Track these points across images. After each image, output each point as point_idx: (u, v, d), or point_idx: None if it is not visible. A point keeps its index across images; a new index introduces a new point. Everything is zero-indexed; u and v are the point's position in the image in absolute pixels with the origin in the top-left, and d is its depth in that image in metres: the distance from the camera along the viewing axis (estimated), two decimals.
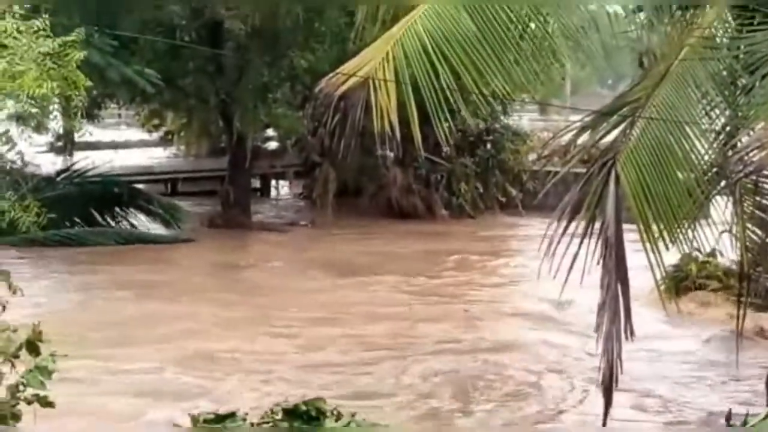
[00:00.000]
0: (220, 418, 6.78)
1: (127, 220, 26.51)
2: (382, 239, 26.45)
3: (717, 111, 9.44)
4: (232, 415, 6.79)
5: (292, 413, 6.79)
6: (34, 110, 7.97)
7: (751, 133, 9.24)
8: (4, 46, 6.57)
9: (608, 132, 9.17)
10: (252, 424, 6.66)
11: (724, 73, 9.40)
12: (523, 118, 36.47)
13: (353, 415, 6.60)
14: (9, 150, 8.41)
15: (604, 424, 9.18)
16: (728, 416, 9.39)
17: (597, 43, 9.99)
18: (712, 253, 17.30)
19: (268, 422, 6.70)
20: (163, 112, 32.28)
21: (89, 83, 7.03)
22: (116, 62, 22.43)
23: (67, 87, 6.65)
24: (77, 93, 6.87)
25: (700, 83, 9.17)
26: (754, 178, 9.83)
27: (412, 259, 23.85)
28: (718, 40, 9.80)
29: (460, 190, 30.10)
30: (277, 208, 32.46)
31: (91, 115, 26.67)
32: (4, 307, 8.15)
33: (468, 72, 9.11)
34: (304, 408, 6.80)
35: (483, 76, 9.18)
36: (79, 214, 25.28)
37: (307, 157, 30.99)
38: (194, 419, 6.78)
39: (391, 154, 27.66)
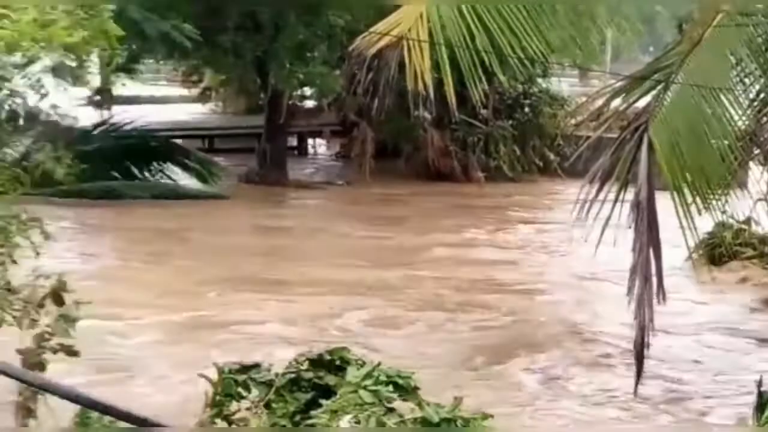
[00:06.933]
0: (245, 369, 6.85)
1: (165, 174, 26.62)
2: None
3: (751, 77, 9.38)
4: (257, 366, 6.85)
5: (317, 363, 6.83)
6: (70, 63, 8.03)
7: None
8: None
9: (641, 97, 9.13)
10: (276, 375, 6.71)
11: (759, 39, 9.33)
12: (563, 83, 36.16)
13: (378, 364, 6.61)
14: (41, 100, 8.43)
15: (635, 393, 9.24)
16: (759, 383, 9.36)
17: (635, 8, 9.93)
18: (747, 221, 17.29)
19: (293, 372, 6.74)
20: (202, 68, 32.28)
21: (122, 33, 7.04)
22: (154, 17, 22.45)
23: (98, 37, 6.67)
24: (110, 44, 6.90)
25: (735, 50, 9.12)
26: None
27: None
28: (753, 6, 9.72)
29: (498, 153, 29.98)
30: (314, 167, 32.49)
31: (129, 70, 26.72)
32: (38, 253, 8.26)
33: (503, 35, 9.03)
34: (329, 357, 6.84)
35: (519, 39, 9.12)
36: (115, 167, 25.35)
37: (345, 116, 30.89)
38: (220, 369, 6.84)
39: (429, 116, 27.59)
